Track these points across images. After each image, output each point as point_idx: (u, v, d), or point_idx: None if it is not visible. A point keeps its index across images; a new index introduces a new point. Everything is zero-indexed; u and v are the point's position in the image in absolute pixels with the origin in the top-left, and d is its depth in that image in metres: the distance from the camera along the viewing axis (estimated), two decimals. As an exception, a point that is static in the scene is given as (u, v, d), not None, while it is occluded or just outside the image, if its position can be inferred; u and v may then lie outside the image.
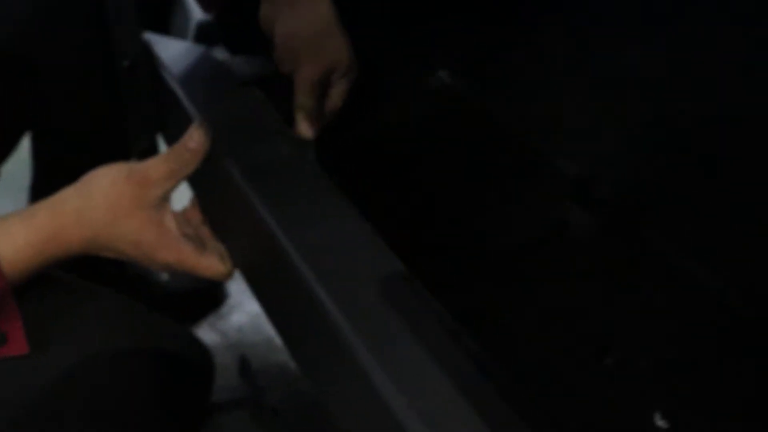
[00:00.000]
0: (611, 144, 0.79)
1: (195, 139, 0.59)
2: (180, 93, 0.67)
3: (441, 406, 0.41)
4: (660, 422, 0.60)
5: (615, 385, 0.63)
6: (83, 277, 0.66)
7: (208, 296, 1.24)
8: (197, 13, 0.79)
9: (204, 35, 0.76)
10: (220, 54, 0.74)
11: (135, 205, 0.59)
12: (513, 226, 0.77)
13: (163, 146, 0.80)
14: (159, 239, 0.60)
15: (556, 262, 0.74)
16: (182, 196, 0.66)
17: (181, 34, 0.79)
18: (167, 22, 0.83)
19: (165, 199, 0.61)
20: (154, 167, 0.60)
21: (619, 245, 0.76)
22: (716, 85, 0.69)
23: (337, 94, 0.77)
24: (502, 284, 0.70)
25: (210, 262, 0.61)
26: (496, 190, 0.81)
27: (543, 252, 0.75)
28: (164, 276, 1.17)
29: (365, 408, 0.45)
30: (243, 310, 1.23)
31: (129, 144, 0.82)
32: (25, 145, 0.97)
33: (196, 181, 0.62)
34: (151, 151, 0.81)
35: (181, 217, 0.65)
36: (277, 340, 1.18)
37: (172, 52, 0.73)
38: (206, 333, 1.18)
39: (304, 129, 0.73)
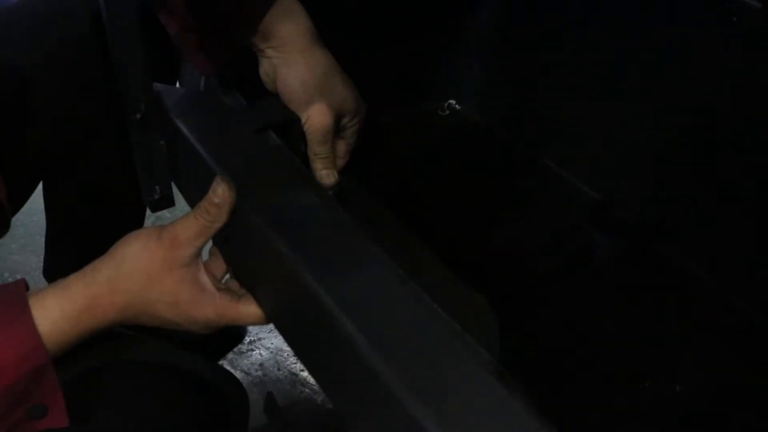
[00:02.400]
0: (629, 167, 0.79)
1: (219, 193, 0.59)
2: (195, 143, 0.67)
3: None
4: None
5: (653, 410, 0.62)
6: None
7: (228, 333, 1.23)
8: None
9: (215, 83, 0.75)
10: (233, 101, 0.74)
11: (168, 267, 0.59)
12: (536, 253, 0.77)
13: (177, 194, 0.79)
14: (196, 296, 0.60)
15: (582, 287, 0.74)
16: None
17: (191, 84, 0.79)
18: (177, 72, 0.82)
19: (196, 256, 0.61)
20: (182, 227, 0.60)
21: (644, 268, 0.76)
22: (736, 107, 0.69)
23: (349, 136, 0.78)
24: (527, 313, 0.70)
25: (249, 310, 0.61)
26: (517, 216, 0.81)
27: (567, 277, 0.75)
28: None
29: None
30: (263, 346, 1.22)
31: (142, 195, 0.81)
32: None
33: (219, 233, 0.61)
34: (166, 200, 0.80)
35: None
36: (300, 375, 1.17)
37: (184, 101, 0.72)
38: (228, 372, 1.17)
39: (325, 177, 0.74)
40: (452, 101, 0.97)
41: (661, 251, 0.75)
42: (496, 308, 0.69)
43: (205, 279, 0.62)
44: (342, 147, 0.78)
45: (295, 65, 0.72)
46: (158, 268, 0.60)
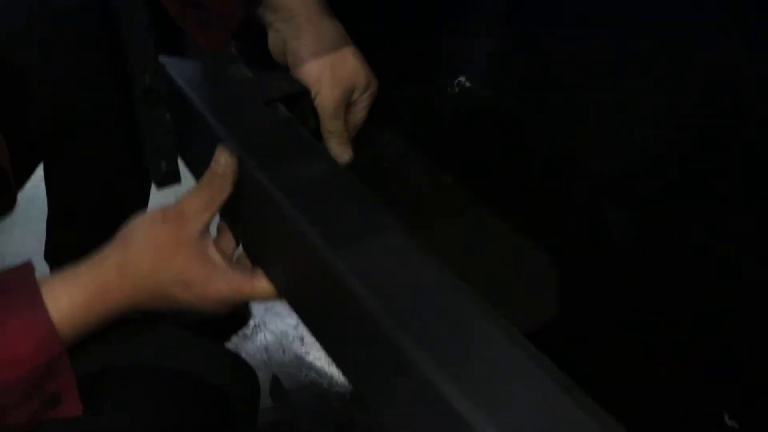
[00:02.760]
0: (647, 142, 0.78)
1: (222, 163, 0.58)
2: (203, 114, 0.65)
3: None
4: (729, 421, 0.58)
5: (677, 384, 0.61)
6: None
7: (232, 317, 1.22)
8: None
9: (222, 55, 0.73)
10: (241, 74, 0.72)
11: (176, 244, 0.58)
12: (552, 229, 0.76)
13: (184, 170, 0.77)
14: (208, 273, 0.58)
15: (600, 262, 0.73)
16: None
17: (197, 56, 0.77)
18: (183, 44, 0.81)
19: (204, 231, 0.59)
20: (188, 202, 0.58)
21: (663, 243, 0.75)
22: (752, 80, 0.68)
23: (360, 110, 0.76)
24: (546, 287, 0.68)
25: (263, 285, 0.59)
26: (530, 193, 0.79)
27: (585, 253, 0.73)
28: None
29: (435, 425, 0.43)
30: (268, 329, 1.21)
31: (149, 170, 0.79)
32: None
33: (226, 206, 0.60)
34: (172, 175, 0.78)
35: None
36: (306, 359, 1.16)
37: (191, 73, 0.70)
38: (233, 356, 1.16)
39: (340, 155, 0.72)
40: (462, 78, 0.95)
41: (681, 227, 0.73)
42: (512, 285, 0.68)
43: (215, 255, 0.60)
44: (352, 121, 0.76)
45: (304, 37, 0.70)
46: (167, 248, 0.58)
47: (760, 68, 0.68)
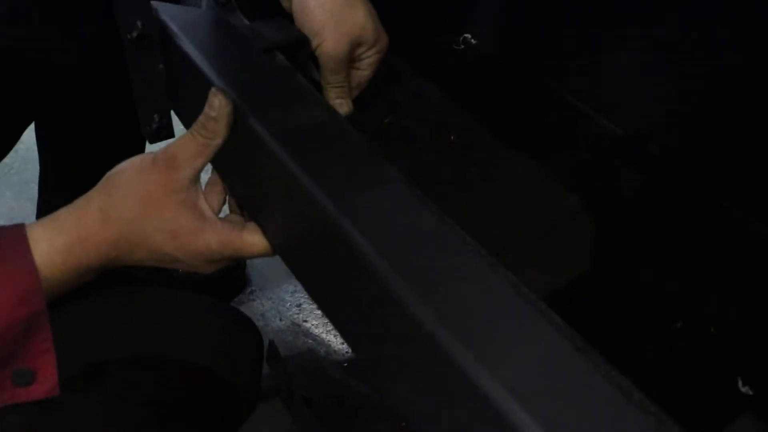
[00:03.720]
0: (658, 101, 0.75)
1: (216, 106, 0.54)
2: (197, 62, 0.62)
3: (527, 377, 0.36)
4: (743, 389, 0.56)
5: (690, 350, 0.58)
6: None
7: (228, 283, 1.19)
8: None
9: (218, 2, 0.70)
10: (238, 21, 0.68)
11: (165, 191, 0.54)
12: (562, 190, 0.73)
13: (177, 124, 0.74)
14: (197, 223, 0.55)
15: (610, 224, 0.70)
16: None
17: (193, 3, 0.73)
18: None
19: (195, 180, 0.56)
20: (179, 147, 0.55)
21: (676, 204, 0.72)
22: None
23: (364, 67, 0.73)
24: (557, 251, 0.66)
25: (254, 239, 0.56)
26: (540, 153, 0.77)
27: (595, 214, 0.71)
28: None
29: (442, 384, 0.40)
30: (264, 296, 1.19)
31: (140, 124, 0.76)
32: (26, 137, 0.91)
33: (219, 155, 0.57)
34: (165, 130, 0.75)
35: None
36: (303, 325, 1.14)
37: (185, 20, 0.67)
38: (229, 321, 1.14)
39: (338, 106, 0.70)
40: (467, 35, 0.92)
41: (694, 187, 0.71)
42: (519, 246, 0.65)
43: (205, 205, 0.57)
44: (356, 77, 0.73)
45: None
46: (155, 193, 0.55)
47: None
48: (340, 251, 0.45)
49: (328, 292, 0.52)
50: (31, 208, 1.11)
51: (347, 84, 0.71)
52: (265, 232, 0.57)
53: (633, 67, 0.76)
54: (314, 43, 0.68)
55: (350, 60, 0.71)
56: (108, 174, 0.57)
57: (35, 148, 1.01)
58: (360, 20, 0.69)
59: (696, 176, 0.72)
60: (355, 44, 0.70)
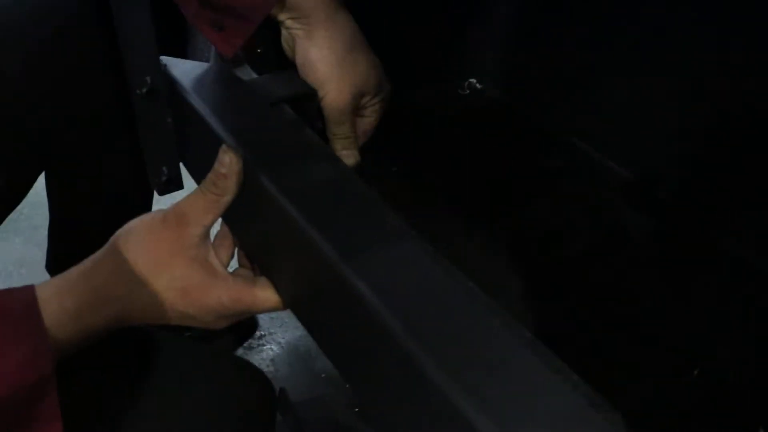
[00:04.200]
0: (664, 144, 0.75)
1: (226, 163, 0.54)
2: (206, 116, 0.62)
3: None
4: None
5: (709, 399, 0.57)
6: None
7: (238, 328, 1.19)
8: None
9: (225, 57, 0.71)
10: (246, 75, 0.69)
11: (176, 248, 0.54)
12: (569, 233, 0.73)
13: (186, 177, 0.75)
14: (208, 280, 0.55)
15: (619, 268, 0.70)
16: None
17: (200, 57, 0.74)
18: (185, 44, 0.78)
19: (206, 236, 0.56)
20: (189, 204, 0.55)
21: (685, 249, 0.72)
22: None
23: (369, 114, 0.73)
24: (566, 296, 0.65)
25: (266, 294, 0.56)
26: (546, 196, 0.77)
27: (603, 258, 0.70)
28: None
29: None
30: (274, 340, 1.18)
31: (149, 177, 0.77)
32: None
33: (229, 210, 0.57)
34: (174, 182, 0.76)
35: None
36: (313, 371, 1.13)
37: (194, 74, 0.68)
38: (239, 368, 1.13)
39: (345, 158, 0.70)
40: (473, 80, 0.93)
41: (705, 231, 0.70)
42: (527, 292, 0.65)
43: (215, 261, 0.57)
44: (361, 125, 0.73)
45: (315, 38, 0.68)
46: (165, 252, 0.55)
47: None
48: (351, 308, 0.45)
49: (339, 348, 0.52)
50: (40, 253, 1.11)
51: (353, 135, 0.71)
52: (276, 285, 0.57)
53: (639, 109, 0.76)
54: (319, 95, 0.69)
55: (355, 109, 0.71)
56: (118, 233, 0.57)
57: (44, 193, 1.01)
58: (363, 71, 0.70)
59: (706, 219, 0.71)
60: (359, 95, 0.70)
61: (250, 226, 0.59)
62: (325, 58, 0.68)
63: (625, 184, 0.77)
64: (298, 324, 1.21)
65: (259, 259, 0.61)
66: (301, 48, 0.68)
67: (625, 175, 0.78)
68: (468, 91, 0.93)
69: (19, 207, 0.86)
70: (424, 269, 0.45)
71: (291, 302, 0.56)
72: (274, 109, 0.64)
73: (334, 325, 0.50)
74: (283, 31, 0.70)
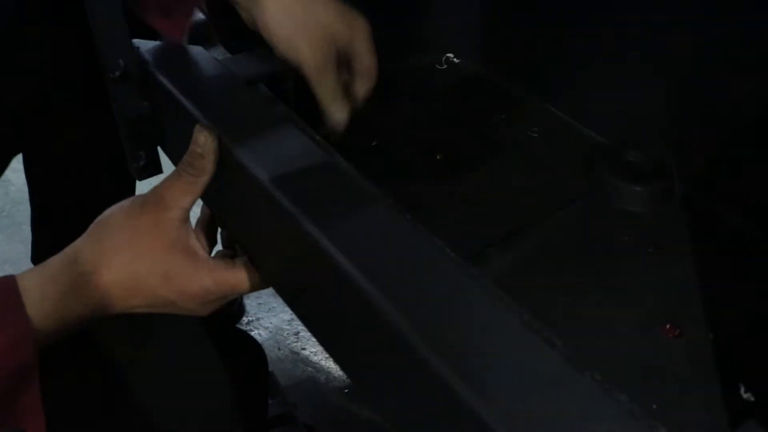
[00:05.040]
0: (641, 111, 0.75)
1: (201, 142, 0.53)
2: (181, 98, 0.62)
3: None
4: (745, 395, 0.55)
5: (690, 357, 0.58)
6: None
7: (225, 313, 1.18)
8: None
9: (199, 37, 0.70)
10: (220, 55, 0.69)
11: (156, 233, 0.54)
12: (549, 200, 0.73)
13: (165, 160, 0.74)
14: (189, 264, 0.54)
15: (599, 233, 0.70)
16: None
17: (173, 39, 0.73)
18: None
19: (185, 219, 0.55)
20: (167, 186, 0.54)
21: (666, 211, 0.72)
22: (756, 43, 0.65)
23: (361, 57, 0.68)
24: (550, 263, 0.66)
25: (246, 275, 0.56)
26: (528, 164, 0.77)
27: (584, 223, 0.71)
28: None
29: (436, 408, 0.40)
30: (262, 325, 1.18)
31: (128, 162, 0.76)
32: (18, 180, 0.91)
33: (208, 190, 0.56)
34: (153, 166, 0.75)
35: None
36: (302, 354, 1.13)
37: (167, 57, 0.67)
38: (227, 353, 1.13)
39: (336, 111, 0.66)
40: (450, 54, 0.93)
41: (687, 194, 0.71)
42: (511, 259, 0.65)
43: (197, 245, 0.56)
44: (358, 69, 0.68)
45: (267, 5, 0.64)
46: (145, 237, 0.54)
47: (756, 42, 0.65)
48: (331, 279, 0.45)
49: (321, 321, 0.52)
50: (24, 250, 1.10)
51: (338, 85, 0.67)
52: (258, 264, 0.57)
53: (614, 77, 0.76)
54: (294, 65, 0.66)
55: (335, 62, 0.66)
56: (97, 220, 0.56)
57: (26, 189, 1.01)
58: (325, 20, 0.65)
59: (687, 182, 0.72)
60: (330, 45, 0.66)
61: (229, 205, 0.59)
62: (282, 23, 0.64)
63: (603, 149, 0.77)
64: (286, 308, 1.21)
65: (240, 238, 0.61)
66: (259, 21, 0.65)
67: (602, 141, 0.79)
68: (446, 66, 0.92)
69: (1, 204, 0.86)
70: (400, 236, 0.46)
71: (273, 279, 0.56)
72: (249, 88, 0.64)
73: (315, 298, 0.50)
74: (242, 13, 0.67)
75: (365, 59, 0.68)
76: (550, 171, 0.77)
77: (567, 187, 0.75)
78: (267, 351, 1.15)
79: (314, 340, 0.53)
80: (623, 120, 0.77)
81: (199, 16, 0.73)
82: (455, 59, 0.92)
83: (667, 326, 0.60)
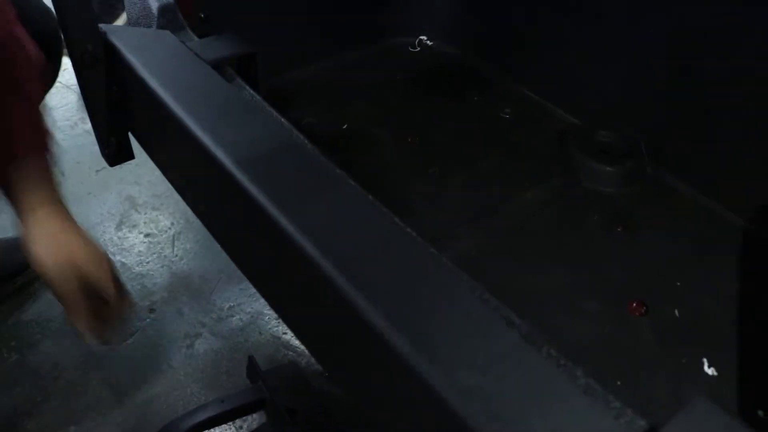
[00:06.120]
0: (612, 92, 0.76)
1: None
2: (148, 80, 0.61)
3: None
4: (709, 370, 0.56)
5: (655, 334, 0.59)
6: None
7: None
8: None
9: (166, 22, 0.70)
10: (187, 39, 0.68)
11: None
12: (522, 179, 0.73)
13: (136, 145, 0.74)
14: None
15: (571, 211, 0.71)
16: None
17: (141, 24, 0.73)
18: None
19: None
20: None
21: (637, 191, 0.73)
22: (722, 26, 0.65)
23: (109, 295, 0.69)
24: (524, 242, 0.66)
25: None
26: (501, 146, 0.77)
27: (556, 202, 0.71)
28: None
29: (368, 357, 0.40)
30: (243, 310, 1.18)
31: (99, 148, 0.76)
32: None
33: (173, 172, 0.57)
34: (125, 152, 0.75)
35: None
36: (283, 338, 1.13)
37: (134, 40, 0.67)
38: (209, 338, 1.13)
39: (80, 328, 0.68)
40: (423, 37, 0.92)
41: (653, 173, 0.72)
42: (485, 239, 0.65)
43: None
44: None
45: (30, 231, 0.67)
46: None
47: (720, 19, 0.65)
48: (294, 261, 0.45)
49: (288, 304, 0.52)
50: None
51: (86, 311, 0.68)
52: (223, 243, 0.57)
53: (586, 59, 0.76)
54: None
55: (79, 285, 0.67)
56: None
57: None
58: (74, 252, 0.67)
59: (658, 162, 0.72)
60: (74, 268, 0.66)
61: (195, 189, 0.59)
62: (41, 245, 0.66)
63: (574, 130, 0.78)
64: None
65: (207, 220, 0.61)
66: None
67: (573, 123, 0.79)
68: (419, 48, 0.92)
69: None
70: (361, 216, 0.46)
71: (239, 259, 0.56)
72: (216, 71, 0.64)
73: (279, 279, 0.51)
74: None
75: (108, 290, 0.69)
76: (522, 151, 0.77)
77: (539, 166, 0.75)
78: (248, 336, 1.15)
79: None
80: (595, 101, 0.77)
81: (168, 0, 0.72)
82: (428, 41, 0.92)
83: (634, 304, 0.61)
